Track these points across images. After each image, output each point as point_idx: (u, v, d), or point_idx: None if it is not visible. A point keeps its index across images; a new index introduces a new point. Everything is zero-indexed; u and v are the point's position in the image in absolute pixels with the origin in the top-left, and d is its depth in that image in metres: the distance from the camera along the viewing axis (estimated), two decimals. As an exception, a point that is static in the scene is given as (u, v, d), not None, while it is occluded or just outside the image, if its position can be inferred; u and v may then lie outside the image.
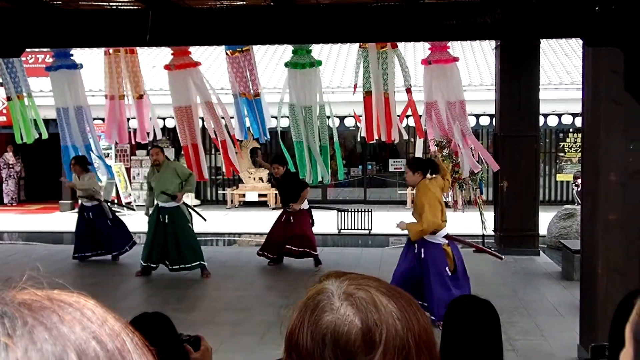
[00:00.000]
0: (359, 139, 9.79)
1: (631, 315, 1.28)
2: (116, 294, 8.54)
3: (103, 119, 15.55)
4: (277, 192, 18.04)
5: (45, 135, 10.18)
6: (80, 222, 10.34)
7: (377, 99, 8.92)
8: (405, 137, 9.73)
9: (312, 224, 9.97)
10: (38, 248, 12.45)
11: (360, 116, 9.68)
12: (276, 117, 15.55)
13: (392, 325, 0.89)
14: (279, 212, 10.30)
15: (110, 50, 9.50)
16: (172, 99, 9.35)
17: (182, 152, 9.70)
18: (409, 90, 9.05)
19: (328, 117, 9.11)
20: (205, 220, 9.98)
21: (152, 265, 9.25)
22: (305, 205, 9.87)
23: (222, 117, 9.45)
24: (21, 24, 5.88)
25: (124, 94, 9.75)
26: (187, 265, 9.09)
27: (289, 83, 9.22)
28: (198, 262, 9.13)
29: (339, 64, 17.81)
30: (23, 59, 9.91)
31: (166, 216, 9.11)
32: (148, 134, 9.94)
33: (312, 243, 9.78)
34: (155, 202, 9.28)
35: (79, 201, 10.56)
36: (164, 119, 12.80)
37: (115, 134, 9.92)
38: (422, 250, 6.89)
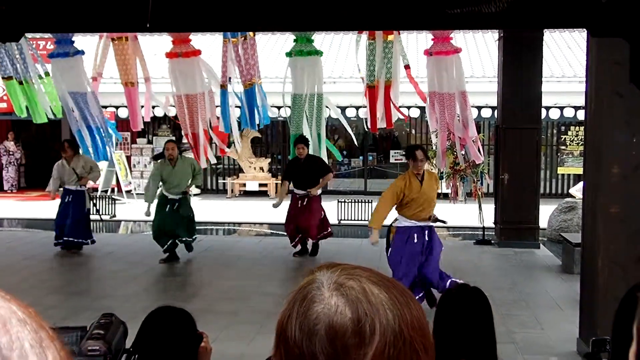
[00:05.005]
0: (366, 129, 9.89)
1: (636, 311, 1.26)
2: (117, 281, 8.51)
3: (105, 107, 15.66)
4: (279, 182, 18.09)
5: (59, 115, 10.25)
6: (60, 207, 10.28)
7: (380, 87, 8.92)
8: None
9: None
10: (39, 234, 12.43)
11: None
12: (278, 107, 15.65)
13: (383, 316, 0.87)
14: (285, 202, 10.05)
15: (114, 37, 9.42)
16: (175, 87, 9.31)
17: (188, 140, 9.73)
18: (407, 67, 9.10)
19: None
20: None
21: (167, 246, 9.47)
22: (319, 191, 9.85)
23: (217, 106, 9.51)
24: (20, 9, 5.83)
25: (134, 80, 9.66)
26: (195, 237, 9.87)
27: (292, 72, 9.17)
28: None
29: (341, 55, 17.73)
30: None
31: (176, 204, 9.52)
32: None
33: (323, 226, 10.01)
34: (165, 194, 9.52)
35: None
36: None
37: (137, 120, 9.94)
38: (426, 232, 7.30)
